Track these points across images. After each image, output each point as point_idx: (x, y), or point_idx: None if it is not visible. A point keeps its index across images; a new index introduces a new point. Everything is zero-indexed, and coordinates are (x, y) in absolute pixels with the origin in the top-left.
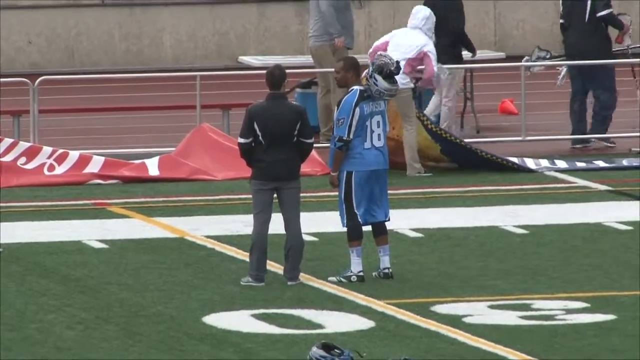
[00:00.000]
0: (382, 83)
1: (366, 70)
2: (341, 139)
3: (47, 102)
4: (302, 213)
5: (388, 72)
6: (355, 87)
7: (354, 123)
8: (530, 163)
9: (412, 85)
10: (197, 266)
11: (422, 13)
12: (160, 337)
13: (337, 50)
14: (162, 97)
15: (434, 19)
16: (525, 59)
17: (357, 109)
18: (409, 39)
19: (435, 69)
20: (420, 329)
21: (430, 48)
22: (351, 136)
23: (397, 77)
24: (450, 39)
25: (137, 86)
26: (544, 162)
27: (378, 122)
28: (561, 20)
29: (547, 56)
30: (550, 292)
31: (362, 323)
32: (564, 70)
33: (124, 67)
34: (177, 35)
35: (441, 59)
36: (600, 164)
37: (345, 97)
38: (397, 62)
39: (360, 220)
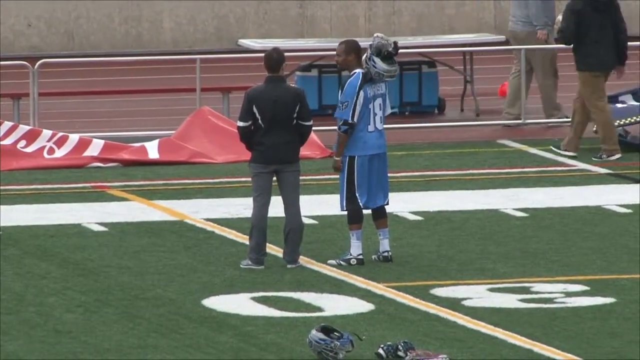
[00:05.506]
0: (380, 65)
1: (365, 54)
2: (346, 122)
3: (46, 85)
4: (301, 196)
5: (386, 53)
6: (357, 70)
7: (358, 106)
8: None
9: None
10: (196, 249)
11: None
12: (159, 320)
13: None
14: (162, 80)
15: None
16: None
17: (362, 92)
18: None
19: None
20: (420, 312)
21: None
22: (355, 119)
23: None
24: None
25: (137, 69)
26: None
27: (380, 104)
28: None
29: None
30: (550, 275)
31: (362, 306)
32: None
33: (123, 50)
34: (177, 19)
35: None
36: None
37: (349, 80)
38: (395, 42)
39: (360, 203)
